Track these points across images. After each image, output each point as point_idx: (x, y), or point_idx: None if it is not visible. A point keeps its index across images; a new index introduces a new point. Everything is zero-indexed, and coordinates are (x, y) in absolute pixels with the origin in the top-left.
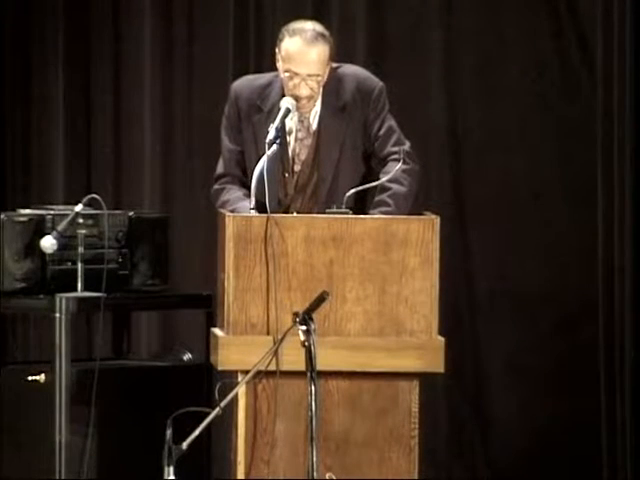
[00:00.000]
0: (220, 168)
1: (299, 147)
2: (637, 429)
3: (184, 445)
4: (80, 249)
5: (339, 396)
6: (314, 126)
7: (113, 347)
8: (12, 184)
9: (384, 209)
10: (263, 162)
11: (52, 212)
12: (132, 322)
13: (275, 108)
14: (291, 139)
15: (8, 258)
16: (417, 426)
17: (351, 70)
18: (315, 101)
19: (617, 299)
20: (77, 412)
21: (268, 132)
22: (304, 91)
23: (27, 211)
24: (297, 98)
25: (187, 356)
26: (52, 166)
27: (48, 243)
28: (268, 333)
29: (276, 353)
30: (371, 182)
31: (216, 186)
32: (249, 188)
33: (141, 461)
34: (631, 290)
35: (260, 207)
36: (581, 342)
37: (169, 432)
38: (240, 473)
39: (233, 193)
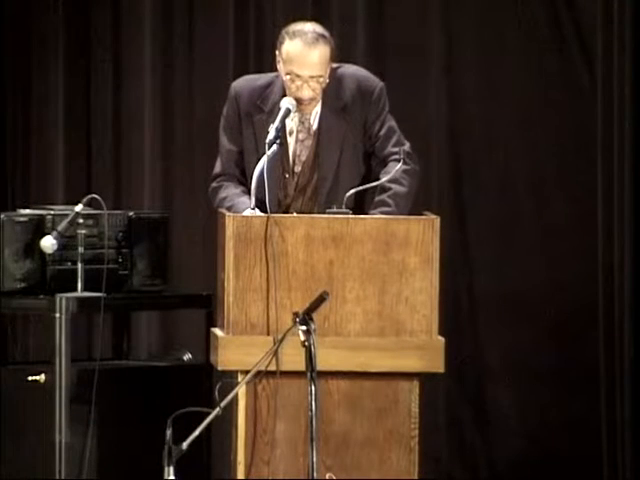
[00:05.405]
0: (218, 167)
1: (299, 148)
2: (637, 429)
3: (184, 445)
4: (80, 249)
5: (339, 396)
6: (314, 126)
7: (113, 347)
8: (12, 184)
9: (384, 209)
10: (263, 162)
11: (52, 212)
12: (132, 322)
13: (276, 108)
14: (292, 140)
15: (8, 258)
16: (417, 426)
17: (351, 70)
18: (317, 102)
19: (617, 299)
20: (77, 412)
21: (268, 132)
22: (307, 93)
23: (27, 211)
24: (300, 100)
25: (187, 356)
26: (52, 166)
27: (48, 243)
28: (268, 333)
29: (276, 353)
30: (371, 182)
31: (213, 184)
32: (247, 187)
33: (141, 461)
34: (631, 290)
35: (260, 207)
36: (581, 342)
37: (169, 432)
38: (240, 473)
39: (231, 190)
